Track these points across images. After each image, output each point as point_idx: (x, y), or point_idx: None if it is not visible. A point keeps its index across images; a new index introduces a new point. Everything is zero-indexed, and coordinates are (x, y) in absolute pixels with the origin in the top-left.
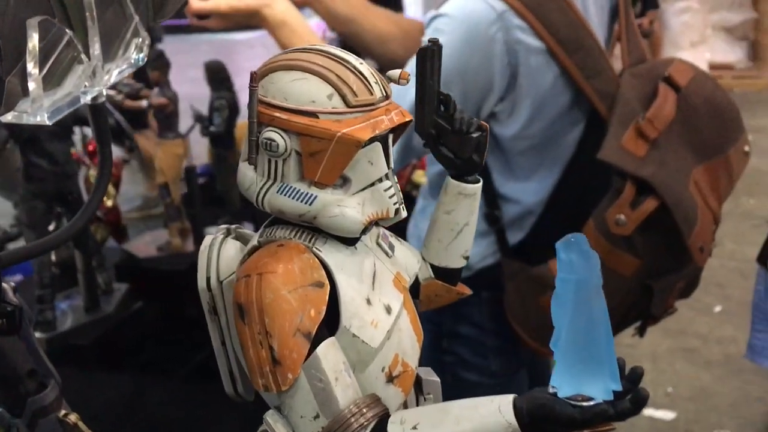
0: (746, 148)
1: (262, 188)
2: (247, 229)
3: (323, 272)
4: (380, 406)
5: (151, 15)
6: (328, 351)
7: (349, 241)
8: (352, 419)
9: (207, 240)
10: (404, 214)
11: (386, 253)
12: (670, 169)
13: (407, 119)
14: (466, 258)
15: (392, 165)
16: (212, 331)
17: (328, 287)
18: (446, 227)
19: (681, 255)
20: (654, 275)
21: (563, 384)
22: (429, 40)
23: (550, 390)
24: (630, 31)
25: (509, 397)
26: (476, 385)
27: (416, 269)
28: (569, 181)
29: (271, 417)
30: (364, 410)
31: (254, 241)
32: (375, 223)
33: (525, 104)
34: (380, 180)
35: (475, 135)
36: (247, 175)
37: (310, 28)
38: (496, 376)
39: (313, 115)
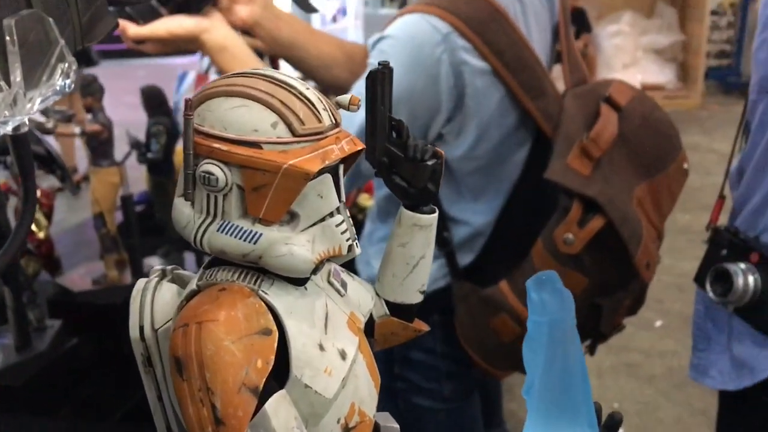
0: (685, 165)
1: (200, 226)
2: (187, 269)
3: (270, 318)
4: None
5: (78, 38)
6: (279, 406)
7: (299, 282)
8: None
9: (140, 284)
10: (358, 250)
11: (338, 292)
12: (614, 187)
13: (359, 148)
14: (423, 293)
15: (343, 198)
16: (147, 385)
17: (276, 334)
18: (401, 261)
19: (628, 272)
20: (602, 293)
21: None
22: (379, 63)
23: None
24: (571, 53)
25: None
26: (429, 411)
27: (370, 306)
28: (517, 202)
29: None
30: None
31: (192, 285)
32: (326, 260)
33: (472, 125)
34: (331, 215)
35: (430, 163)
36: (184, 212)
37: (252, 54)
38: (448, 400)
39: (255, 145)
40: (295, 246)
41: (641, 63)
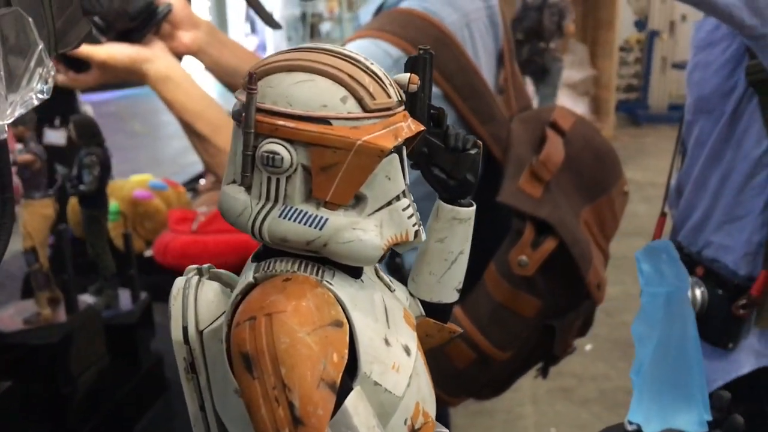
0: (626, 188)
1: (259, 213)
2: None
3: (340, 309)
4: None
5: (53, 43)
6: (358, 403)
7: (356, 274)
8: None
9: (179, 282)
10: (424, 236)
11: (388, 287)
12: (563, 209)
13: (422, 128)
14: (459, 291)
15: (407, 180)
16: (189, 394)
17: (347, 327)
18: (439, 257)
19: (579, 293)
20: (555, 315)
21: (648, 419)
22: (420, 48)
23: (628, 428)
24: (516, 78)
25: None
26: None
27: (407, 305)
28: None
29: None
30: None
31: (248, 278)
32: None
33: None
34: (397, 198)
35: (472, 152)
36: (238, 198)
37: (196, 83)
38: None
39: (324, 121)
40: (364, 231)
41: (557, 97)
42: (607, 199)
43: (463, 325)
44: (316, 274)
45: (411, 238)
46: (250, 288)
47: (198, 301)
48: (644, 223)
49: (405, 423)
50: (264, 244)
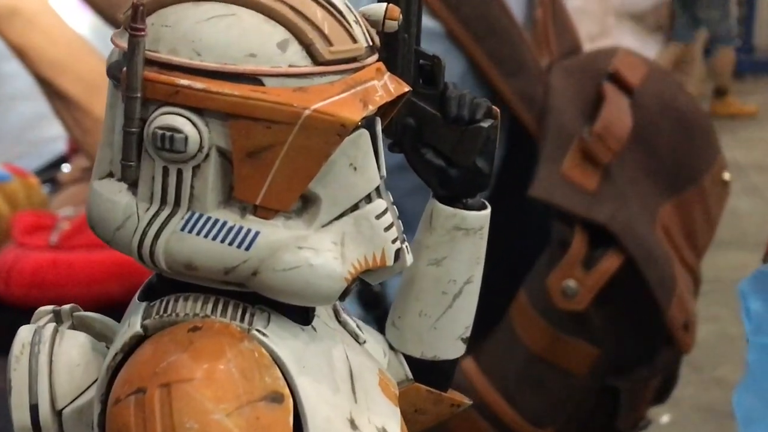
0: (725, 176)
1: (151, 224)
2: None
3: (279, 374)
4: None
5: None
6: None
7: (303, 319)
8: None
9: (24, 335)
10: (410, 258)
11: (355, 337)
12: (631, 209)
13: (406, 89)
14: (466, 341)
15: (383, 171)
16: None
17: (290, 402)
18: (435, 289)
19: (656, 337)
20: (619, 371)
21: None
22: None
23: None
24: (557, 10)
25: None
26: None
27: (383, 365)
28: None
29: None
30: None
31: (135, 328)
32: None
33: None
34: (368, 198)
35: (484, 125)
36: (117, 201)
37: (62, 19)
38: None
39: (253, 80)
40: (316, 252)
41: (613, 33)
42: (697, 192)
43: (478, 389)
44: (241, 320)
45: (389, 261)
46: (136, 342)
47: (54, 364)
48: (748, 228)
49: None
50: (157, 272)
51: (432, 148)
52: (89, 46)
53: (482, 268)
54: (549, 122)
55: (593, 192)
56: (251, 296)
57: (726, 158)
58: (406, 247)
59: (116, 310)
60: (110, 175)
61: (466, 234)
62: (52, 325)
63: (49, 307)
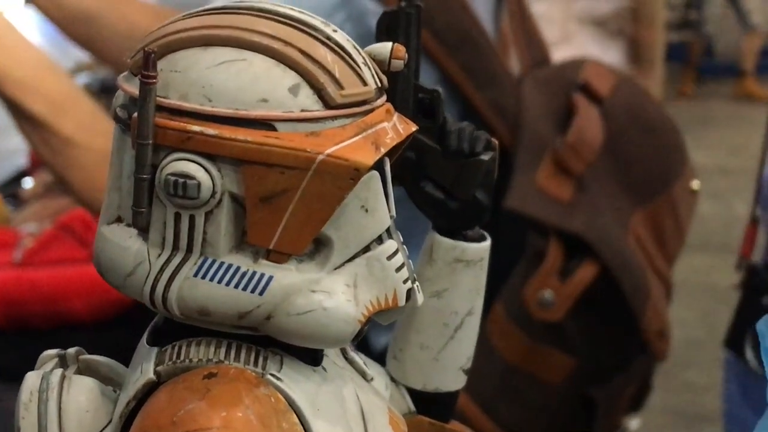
0: (694, 185)
1: (163, 270)
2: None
3: (296, 419)
4: None
5: None
6: None
7: (314, 360)
8: None
9: (32, 381)
10: (420, 298)
11: (363, 375)
12: (605, 218)
13: (414, 128)
14: (467, 372)
15: (393, 212)
16: None
17: None
18: (436, 322)
19: (630, 345)
20: (595, 380)
21: None
22: (403, 1)
23: None
24: (526, 22)
25: None
26: None
27: (386, 398)
28: None
29: None
30: None
31: (148, 374)
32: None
33: None
34: (379, 240)
35: (485, 158)
36: (128, 247)
37: (22, 35)
38: None
39: (266, 125)
40: (329, 295)
41: (575, 39)
42: (667, 201)
43: (463, 409)
44: (255, 364)
45: (401, 302)
46: (149, 389)
47: (64, 411)
48: (711, 232)
49: None
50: (170, 317)
51: (431, 180)
52: (54, 64)
53: (482, 300)
54: (522, 133)
55: (567, 202)
56: (263, 339)
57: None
58: (417, 287)
59: (80, 327)
60: (119, 220)
61: (466, 266)
62: (60, 371)
63: (54, 351)
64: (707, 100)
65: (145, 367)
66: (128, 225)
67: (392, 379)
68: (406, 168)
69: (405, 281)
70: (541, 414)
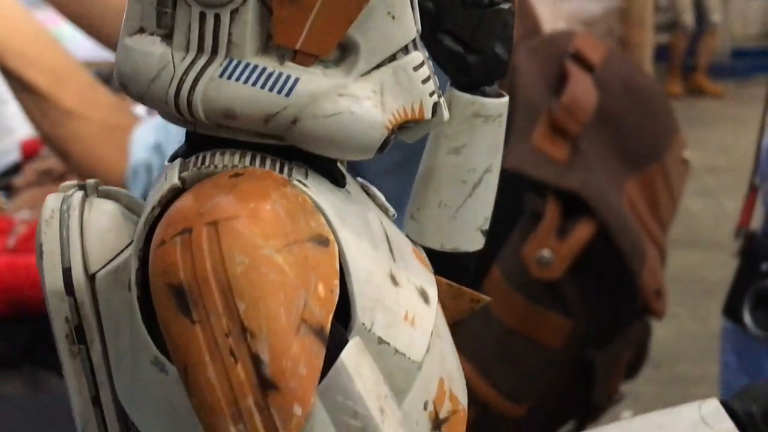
0: (685, 154)
1: (188, 72)
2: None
3: (323, 220)
4: None
5: None
6: (361, 360)
7: (338, 180)
8: None
9: (53, 202)
10: (446, 114)
11: (384, 210)
12: (601, 179)
13: None
14: (485, 233)
15: (419, 26)
16: (74, 379)
17: (335, 247)
18: (454, 178)
19: (627, 308)
20: (593, 343)
21: None
22: None
23: None
24: None
25: (713, 403)
26: None
27: None
28: None
29: None
30: None
31: (172, 180)
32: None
33: None
34: (406, 50)
35: (503, 6)
36: (152, 52)
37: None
38: None
39: None
40: (356, 100)
41: None
42: (659, 168)
43: None
44: (280, 172)
45: (427, 114)
46: (174, 195)
47: (86, 230)
48: (701, 228)
49: (425, 408)
50: (193, 127)
51: (450, 33)
52: (53, 36)
53: (501, 158)
54: (517, 98)
55: (563, 162)
56: (288, 153)
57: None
58: (443, 102)
59: None
60: (141, 30)
61: (485, 121)
62: (81, 193)
63: (74, 182)
64: (696, 100)
65: (169, 175)
66: (151, 34)
67: (409, 240)
68: (424, 20)
69: (431, 94)
70: (539, 379)
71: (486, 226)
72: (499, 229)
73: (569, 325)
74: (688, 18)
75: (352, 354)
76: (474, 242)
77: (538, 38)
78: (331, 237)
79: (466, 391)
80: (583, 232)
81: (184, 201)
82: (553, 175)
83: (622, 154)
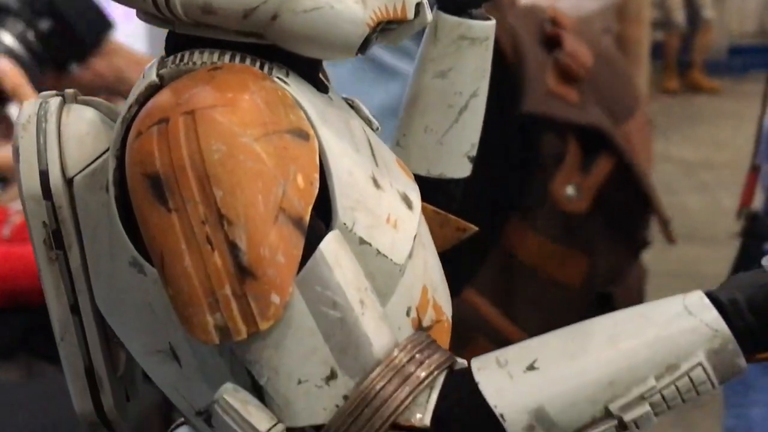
0: (646, 117)
1: None
2: None
3: (303, 115)
4: (440, 349)
5: None
6: (340, 251)
7: (319, 85)
8: (400, 372)
9: (29, 108)
10: (429, 15)
11: (368, 122)
12: (607, 120)
13: None
14: (471, 160)
15: None
16: (52, 285)
17: (315, 142)
18: (440, 103)
19: (639, 240)
20: (609, 277)
21: None
22: None
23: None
24: None
25: (697, 294)
26: None
27: None
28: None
29: (232, 396)
30: (417, 355)
31: (150, 77)
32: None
33: None
34: None
35: None
36: None
37: None
38: None
39: None
40: None
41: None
42: (634, 124)
43: (484, 313)
44: (261, 69)
45: (410, 14)
46: (152, 92)
47: (63, 134)
48: (697, 224)
49: (408, 314)
50: (172, 26)
51: None
52: None
53: (488, 83)
54: (523, 51)
55: (577, 103)
56: (269, 55)
57: (676, 156)
58: (426, 3)
59: None
60: None
61: (471, 43)
62: (59, 98)
63: (53, 92)
64: (692, 96)
65: (147, 74)
66: None
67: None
68: None
69: None
70: (562, 317)
71: (473, 153)
72: (512, 176)
73: (588, 262)
74: (679, 16)
75: (331, 245)
76: (461, 169)
77: (520, 6)
78: (311, 132)
79: (450, 304)
80: (603, 166)
81: (162, 94)
82: (572, 113)
83: (605, 107)
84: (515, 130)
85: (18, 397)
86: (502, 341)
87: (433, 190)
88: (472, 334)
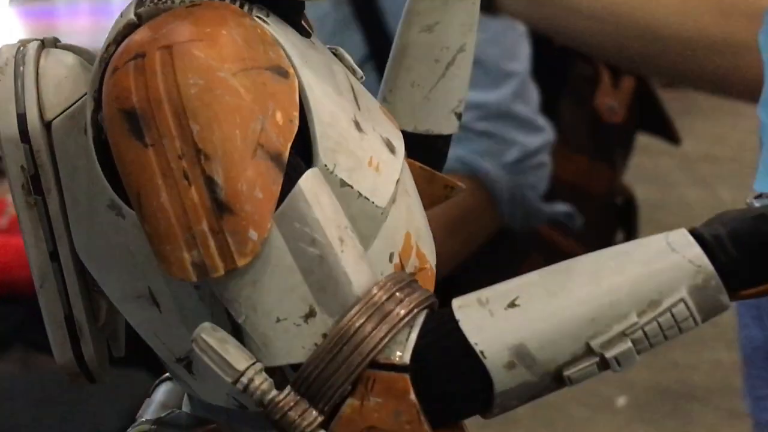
0: None
1: None
2: None
3: (282, 53)
4: (421, 288)
5: None
6: (319, 189)
7: (302, 32)
8: (380, 310)
9: (6, 51)
10: None
11: (353, 71)
12: None
13: None
14: (459, 116)
15: None
16: (30, 230)
17: (295, 81)
18: (427, 57)
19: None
20: (621, 188)
21: None
22: None
23: (754, 203)
24: None
25: (680, 231)
26: None
27: None
28: None
29: (209, 334)
30: (397, 294)
31: (128, 16)
32: None
33: None
34: None
35: None
36: None
37: None
38: None
39: None
40: None
41: None
42: None
43: (540, 232)
44: (241, 8)
45: None
46: (129, 31)
47: (41, 77)
48: (698, 216)
49: (390, 260)
50: None
51: None
52: None
53: (474, 39)
54: None
55: None
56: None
57: (675, 150)
58: None
59: None
60: None
61: None
62: (38, 42)
63: (32, 39)
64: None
65: (125, 13)
66: None
67: None
68: None
69: None
70: (596, 226)
71: (460, 109)
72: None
73: (611, 174)
74: None
75: (310, 181)
76: (448, 125)
77: None
78: (291, 71)
79: (434, 253)
80: (629, 83)
81: (139, 31)
82: None
83: None
84: (554, 59)
85: (13, 388)
86: (554, 255)
87: (421, 147)
88: (525, 248)
